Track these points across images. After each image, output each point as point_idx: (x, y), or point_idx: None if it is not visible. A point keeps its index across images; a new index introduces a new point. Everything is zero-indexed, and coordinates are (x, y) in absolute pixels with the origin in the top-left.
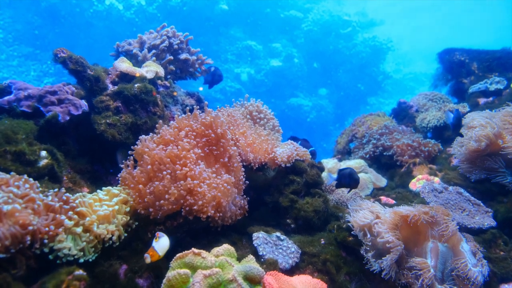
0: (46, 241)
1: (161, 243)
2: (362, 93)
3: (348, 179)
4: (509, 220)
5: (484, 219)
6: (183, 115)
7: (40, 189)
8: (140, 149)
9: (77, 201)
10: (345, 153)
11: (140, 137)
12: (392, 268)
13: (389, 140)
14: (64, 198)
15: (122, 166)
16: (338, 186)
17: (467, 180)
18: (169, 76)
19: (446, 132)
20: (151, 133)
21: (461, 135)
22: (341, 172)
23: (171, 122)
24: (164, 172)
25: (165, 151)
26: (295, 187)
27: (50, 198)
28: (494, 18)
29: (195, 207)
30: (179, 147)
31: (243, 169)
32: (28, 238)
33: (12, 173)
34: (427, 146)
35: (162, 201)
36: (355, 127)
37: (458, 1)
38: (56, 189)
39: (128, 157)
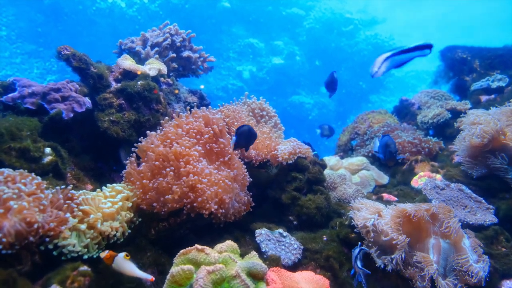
0: (49, 238)
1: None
2: (364, 91)
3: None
4: (511, 217)
5: (486, 215)
6: (182, 114)
7: (45, 185)
8: (144, 146)
9: (81, 198)
10: (347, 151)
11: (148, 132)
12: (398, 265)
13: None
14: (70, 195)
15: (126, 163)
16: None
17: (469, 177)
18: (171, 74)
19: (448, 129)
20: (156, 130)
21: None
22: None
23: (172, 120)
24: (168, 169)
25: (170, 148)
26: (297, 184)
27: (55, 195)
28: (497, 15)
29: (195, 204)
30: (178, 145)
31: (244, 166)
32: (34, 234)
33: (21, 170)
34: (428, 143)
35: (166, 197)
36: (357, 125)
37: None
38: (63, 186)
39: (132, 154)
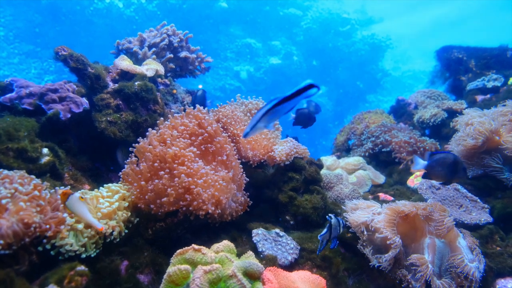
0: (46, 239)
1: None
2: (361, 91)
3: (447, 168)
4: (505, 216)
5: (481, 215)
6: (176, 114)
7: (43, 186)
8: (142, 147)
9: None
10: (344, 150)
11: (150, 129)
12: (391, 263)
13: (387, 137)
14: None
15: (125, 163)
16: (427, 176)
17: None
18: (169, 74)
19: (445, 129)
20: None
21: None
22: (435, 157)
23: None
24: (162, 172)
25: (166, 149)
26: (294, 184)
27: (53, 196)
28: (493, 15)
29: (190, 208)
30: (173, 146)
31: (241, 166)
32: (31, 235)
33: (18, 170)
34: (423, 143)
35: (163, 199)
36: (354, 125)
37: None
38: (62, 187)
39: (130, 155)
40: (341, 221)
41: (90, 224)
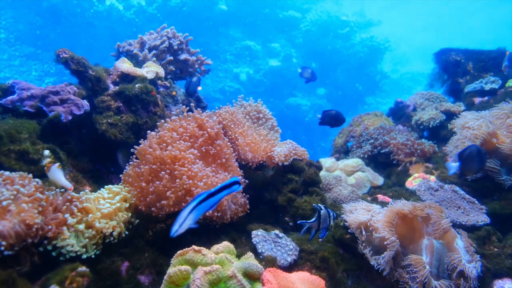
0: (47, 240)
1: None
2: (360, 93)
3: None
4: (503, 217)
5: (479, 216)
6: (175, 117)
7: (44, 187)
8: (142, 149)
9: (84, 197)
10: (343, 152)
11: (149, 132)
12: (389, 264)
13: (386, 139)
14: (69, 197)
15: (126, 165)
16: (462, 175)
17: (462, 178)
18: (169, 76)
19: (443, 131)
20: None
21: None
22: (463, 156)
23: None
24: (163, 173)
25: (166, 151)
26: (293, 186)
27: (55, 197)
28: (492, 17)
29: None
30: (173, 148)
31: (240, 169)
32: (33, 236)
33: (20, 172)
34: (421, 145)
35: (163, 202)
36: (353, 127)
37: (455, 1)
38: (62, 189)
39: (131, 157)
40: (331, 213)
41: (62, 186)
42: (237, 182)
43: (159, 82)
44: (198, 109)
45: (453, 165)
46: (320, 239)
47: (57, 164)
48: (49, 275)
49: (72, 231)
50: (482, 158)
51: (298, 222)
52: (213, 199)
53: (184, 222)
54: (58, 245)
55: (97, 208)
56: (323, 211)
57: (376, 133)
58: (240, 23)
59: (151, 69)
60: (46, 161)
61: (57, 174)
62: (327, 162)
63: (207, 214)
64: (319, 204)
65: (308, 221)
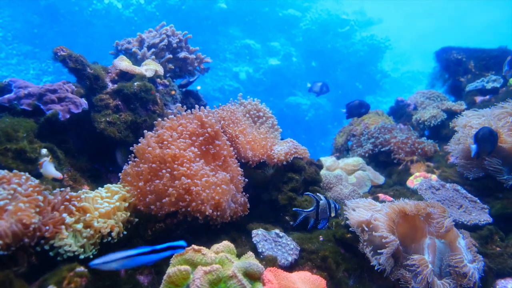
0: (44, 241)
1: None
2: (360, 92)
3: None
4: (505, 217)
5: (481, 215)
6: (172, 116)
7: (42, 187)
8: (141, 147)
9: (83, 196)
10: (343, 151)
11: (146, 132)
12: (389, 263)
13: (387, 137)
14: (68, 196)
15: (124, 164)
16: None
17: (464, 177)
18: (168, 75)
19: (444, 130)
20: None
21: None
22: (478, 136)
23: (164, 122)
24: (164, 171)
25: (166, 150)
26: (293, 185)
27: (52, 196)
28: (493, 16)
29: (189, 209)
30: (173, 147)
31: (240, 168)
32: (30, 236)
33: (17, 171)
34: (422, 144)
35: (163, 200)
36: (353, 126)
37: (456, 0)
38: (62, 189)
39: (129, 155)
40: (332, 204)
41: (53, 176)
42: (183, 247)
43: (158, 80)
44: (201, 107)
45: (473, 147)
46: (319, 229)
47: (48, 158)
48: (46, 275)
49: (70, 230)
50: (494, 139)
51: (294, 209)
52: (153, 257)
53: (110, 263)
54: (55, 245)
55: (95, 208)
56: (322, 201)
57: (377, 132)
58: (240, 21)
59: (150, 67)
60: (42, 159)
61: (48, 167)
62: (327, 161)
63: (207, 213)
64: (317, 194)
65: (305, 209)
